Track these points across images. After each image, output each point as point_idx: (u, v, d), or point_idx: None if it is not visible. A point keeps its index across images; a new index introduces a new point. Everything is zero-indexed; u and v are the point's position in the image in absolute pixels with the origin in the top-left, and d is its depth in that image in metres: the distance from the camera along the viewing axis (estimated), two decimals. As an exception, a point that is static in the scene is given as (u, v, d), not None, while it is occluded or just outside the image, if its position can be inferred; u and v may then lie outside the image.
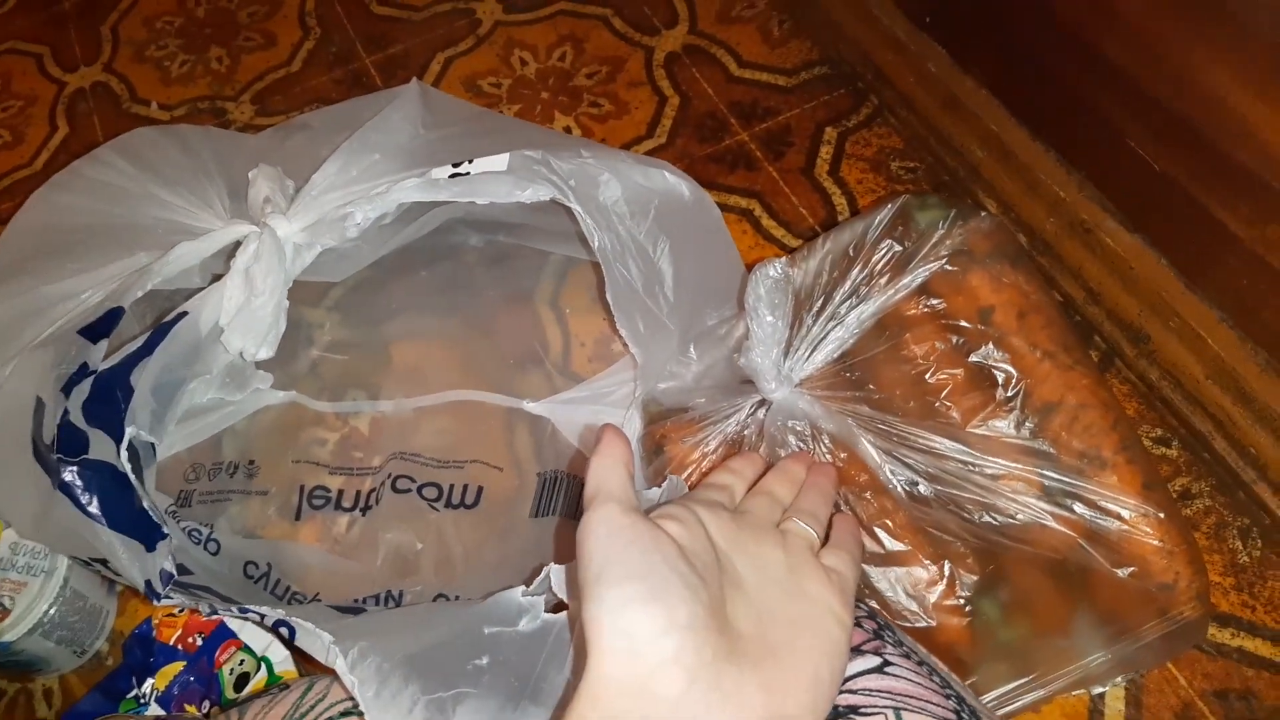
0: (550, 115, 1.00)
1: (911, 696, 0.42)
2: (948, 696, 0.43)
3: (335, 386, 0.81)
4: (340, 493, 0.75)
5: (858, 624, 0.46)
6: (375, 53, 1.09)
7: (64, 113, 1.10)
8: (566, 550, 0.72)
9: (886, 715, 0.41)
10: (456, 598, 0.69)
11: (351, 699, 0.50)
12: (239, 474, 0.77)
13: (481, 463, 0.75)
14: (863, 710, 0.41)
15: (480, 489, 0.74)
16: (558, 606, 0.52)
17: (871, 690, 0.43)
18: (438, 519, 0.73)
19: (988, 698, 0.60)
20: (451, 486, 0.74)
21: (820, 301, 0.64)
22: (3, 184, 1.05)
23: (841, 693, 0.42)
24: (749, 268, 0.71)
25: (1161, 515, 0.56)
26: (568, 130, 0.99)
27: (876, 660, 0.44)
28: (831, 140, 0.93)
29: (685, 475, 0.66)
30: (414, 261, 0.86)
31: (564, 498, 0.73)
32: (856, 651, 0.44)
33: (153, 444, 0.67)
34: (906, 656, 0.45)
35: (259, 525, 0.75)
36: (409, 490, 0.73)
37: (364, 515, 0.74)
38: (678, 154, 0.94)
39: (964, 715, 0.42)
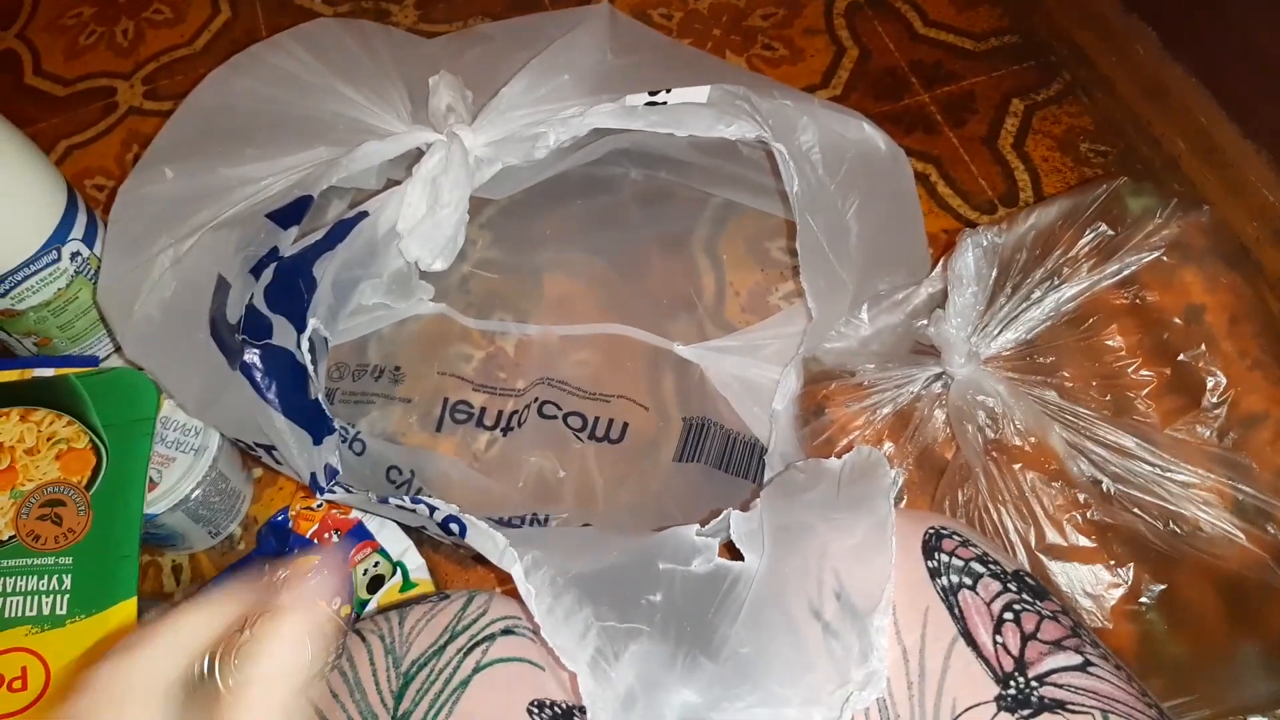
0: (720, 53, 0.97)
1: (1117, 701, 0.40)
2: (1149, 705, 0.41)
3: (483, 304, 0.80)
4: (483, 410, 0.75)
5: (1054, 618, 0.44)
6: (544, -29, 1.07)
7: (227, -3, 1.10)
8: (708, 500, 0.71)
9: (1094, 716, 0.39)
10: (598, 531, 0.68)
11: (513, 617, 0.49)
12: (384, 379, 0.77)
13: (627, 399, 0.74)
14: (1070, 707, 0.40)
15: (625, 425, 0.73)
16: (732, 555, 0.50)
17: (1077, 688, 0.41)
18: (581, 449, 0.72)
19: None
20: (597, 419, 0.73)
21: (1018, 278, 0.61)
22: (162, 61, 1.05)
23: (1044, 684, 0.41)
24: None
25: (1364, 548, 0.53)
26: (736, 71, 0.96)
27: (1078, 659, 0.42)
28: (1018, 113, 0.89)
29: (847, 440, 0.64)
30: (569, 190, 0.84)
31: (710, 446, 0.72)
32: (1057, 646, 0.43)
33: (326, 339, 0.67)
34: (1105, 658, 0.43)
35: (400, 432, 0.75)
36: (555, 417, 0.73)
37: (505, 435, 0.74)
38: (852, 108, 0.91)
39: None
